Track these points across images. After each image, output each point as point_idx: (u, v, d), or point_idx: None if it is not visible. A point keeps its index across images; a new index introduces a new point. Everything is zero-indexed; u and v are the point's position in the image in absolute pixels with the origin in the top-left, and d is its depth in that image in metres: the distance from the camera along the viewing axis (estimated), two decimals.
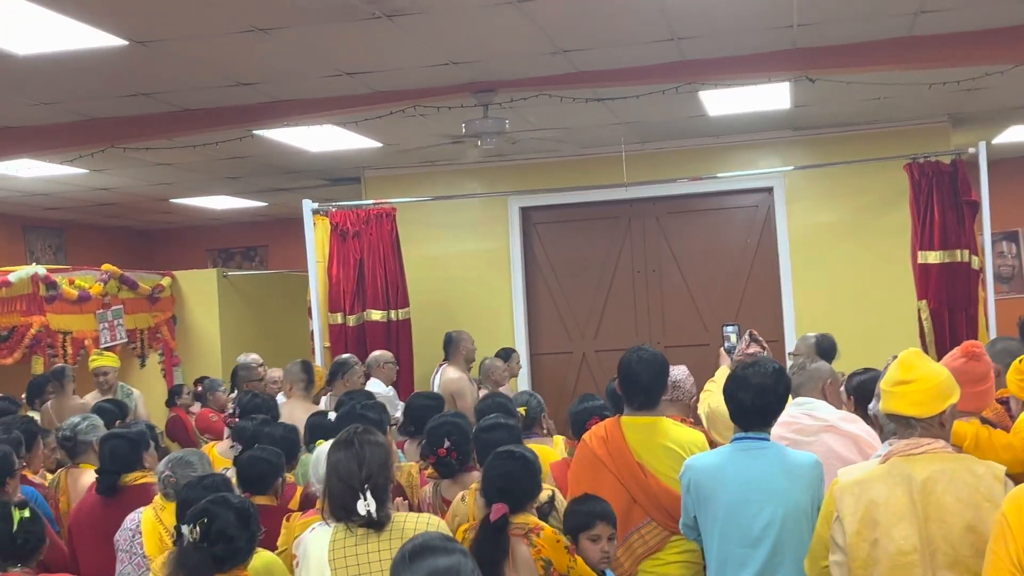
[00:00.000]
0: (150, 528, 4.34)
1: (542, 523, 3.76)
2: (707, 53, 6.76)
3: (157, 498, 4.44)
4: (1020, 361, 4.43)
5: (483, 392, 8.12)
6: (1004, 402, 4.79)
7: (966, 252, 8.28)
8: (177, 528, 3.41)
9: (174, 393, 9.17)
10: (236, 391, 7.81)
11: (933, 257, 8.31)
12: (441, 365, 8.41)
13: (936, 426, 3.13)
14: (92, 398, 7.91)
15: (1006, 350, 5.11)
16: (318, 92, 7.22)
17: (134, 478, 4.81)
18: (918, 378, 3.13)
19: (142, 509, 4.46)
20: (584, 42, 6.35)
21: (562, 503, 4.09)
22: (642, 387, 4.34)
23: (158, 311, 10.58)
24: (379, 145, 9.15)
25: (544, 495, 3.90)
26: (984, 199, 8.16)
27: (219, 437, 7.17)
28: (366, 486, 3.27)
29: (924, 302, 8.35)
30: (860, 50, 6.72)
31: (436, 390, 7.90)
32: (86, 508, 4.87)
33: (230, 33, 5.73)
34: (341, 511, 3.31)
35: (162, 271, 11.00)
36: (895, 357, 3.31)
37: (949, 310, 8.32)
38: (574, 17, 5.84)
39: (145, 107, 7.31)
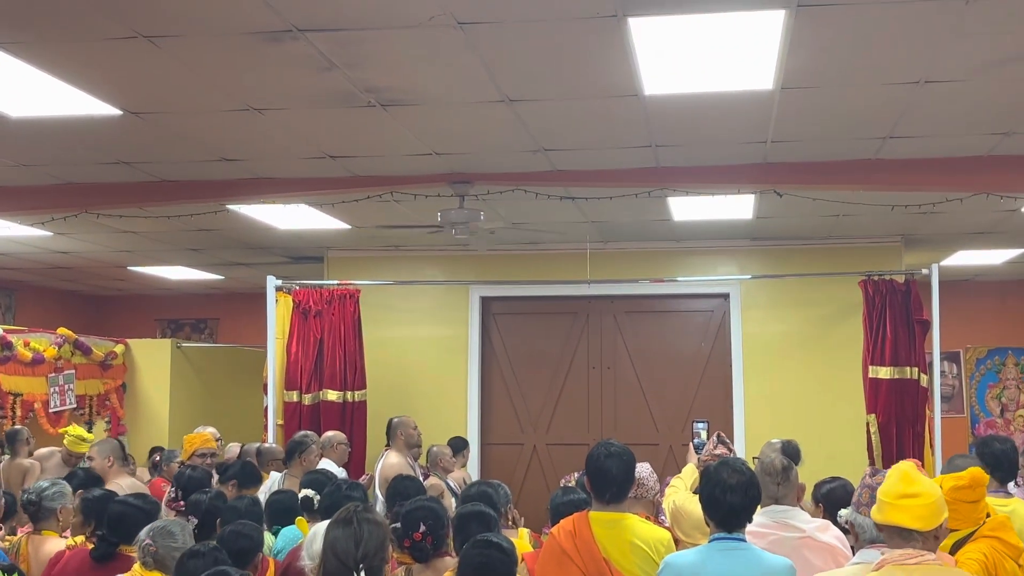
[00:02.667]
0: None
1: None
2: (682, 161, 6.99)
3: (136, 567, 4.39)
4: (943, 481, 4.49)
5: (432, 480, 8.14)
6: None
7: (915, 369, 8.52)
8: None
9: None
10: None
11: (884, 372, 8.53)
12: (385, 451, 8.40)
13: (932, 539, 3.25)
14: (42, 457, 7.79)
15: (958, 467, 5.26)
16: (299, 172, 7.33)
17: (131, 549, 4.73)
18: (923, 492, 3.24)
19: None
20: (565, 142, 6.54)
21: None
22: (612, 481, 4.40)
23: (109, 378, 10.49)
24: (346, 227, 9.24)
25: None
26: (935, 319, 8.44)
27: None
28: (361, 566, 3.29)
29: (873, 416, 8.55)
30: (828, 169, 6.99)
31: (377, 475, 7.91)
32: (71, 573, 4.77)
33: (225, 111, 5.83)
34: None
35: (115, 338, 10.92)
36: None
37: (897, 425, 8.52)
38: (560, 119, 6.03)
39: (124, 175, 7.35)
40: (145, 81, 5.36)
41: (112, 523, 4.80)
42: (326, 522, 3.66)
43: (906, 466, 3.33)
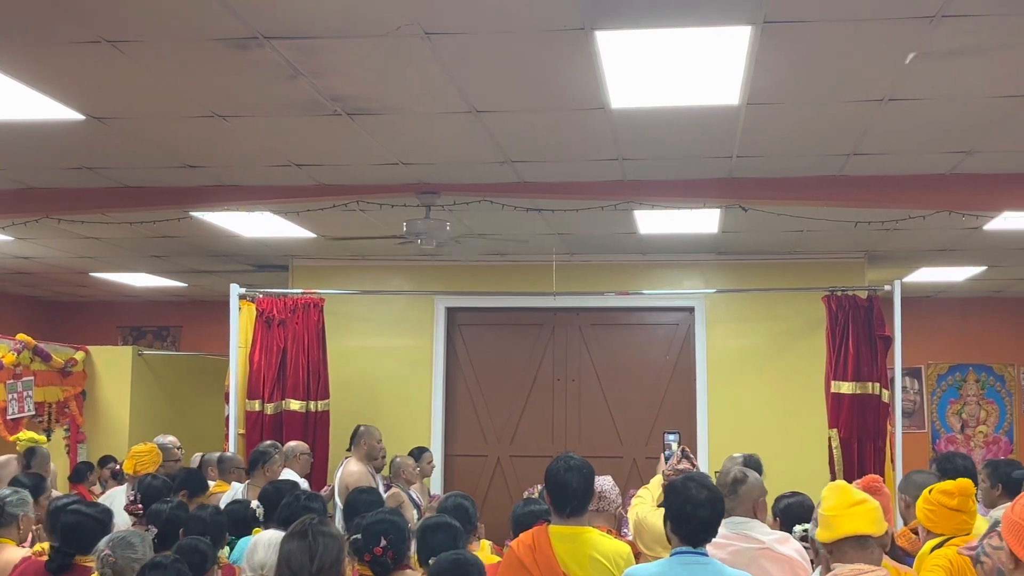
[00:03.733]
0: None
1: None
2: (649, 175, 7.01)
3: None
4: (929, 491, 4.63)
5: (394, 490, 8.10)
6: (915, 531, 4.98)
7: (877, 385, 8.59)
8: None
9: (82, 470, 8.94)
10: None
11: (846, 388, 8.59)
12: (346, 458, 8.36)
13: (881, 547, 3.29)
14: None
15: (915, 483, 5.33)
16: (264, 180, 7.29)
17: (87, 559, 4.67)
18: (867, 498, 3.29)
19: None
20: (533, 154, 6.55)
21: None
22: (571, 495, 4.40)
23: (68, 385, 10.36)
24: (312, 235, 9.20)
25: None
26: (896, 335, 8.51)
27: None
28: None
29: (835, 431, 8.60)
30: (793, 184, 7.04)
31: (336, 483, 7.87)
32: None
33: (190, 117, 5.79)
34: None
35: (75, 345, 10.80)
36: None
37: (859, 440, 8.58)
38: (528, 130, 6.03)
39: (88, 181, 7.28)
40: (108, 86, 5.31)
41: (66, 533, 4.74)
42: (267, 532, 3.63)
43: (840, 483, 3.39)
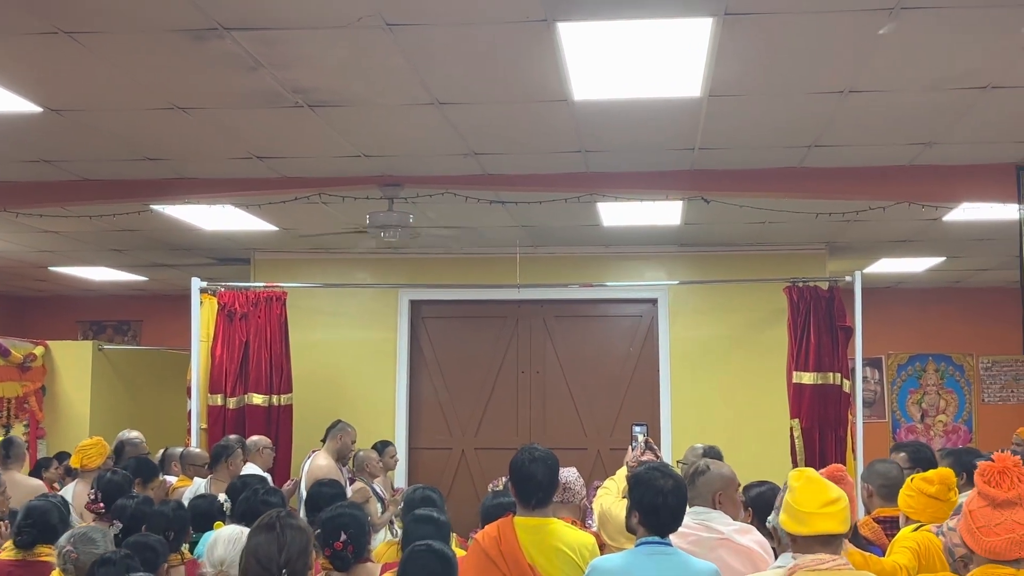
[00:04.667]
0: None
1: None
2: (612, 167, 7.03)
3: (55, 574, 4.29)
4: (911, 480, 4.69)
5: (358, 484, 8.08)
6: (882, 521, 5.04)
7: (838, 375, 8.64)
8: None
9: (41, 466, 8.83)
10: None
11: (807, 378, 8.64)
12: (313, 451, 8.32)
13: (844, 539, 3.31)
14: None
15: (877, 472, 5.39)
16: (225, 172, 7.23)
17: (46, 551, 4.64)
18: (841, 496, 3.29)
19: None
20: (496, 146, 6.54)
21: None
22: (536, 486, 4.40)
23: (28, 381, 10.24)
24: (274, 228, 9.14)
25: None
26: (857, 326, 8.58)
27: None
28: (284, 571, 3.24)
29: (797, 420, 8.65)
30: (754, 176, 7.07)
31: (304, 476, 7.84)
32: None
33: (149, 109, 5.73)
34: None
35: (35, 340, 10.68)
36: None
37: (820, 430, 8.62)
38: (490, 123, 6.02)
39: (46, 174, 7.20)
40: (66, 78, 5.25)
41: (30, 516, 4.70)
42: (228, 527, 3.61)
43: (812, 474, 3.38)
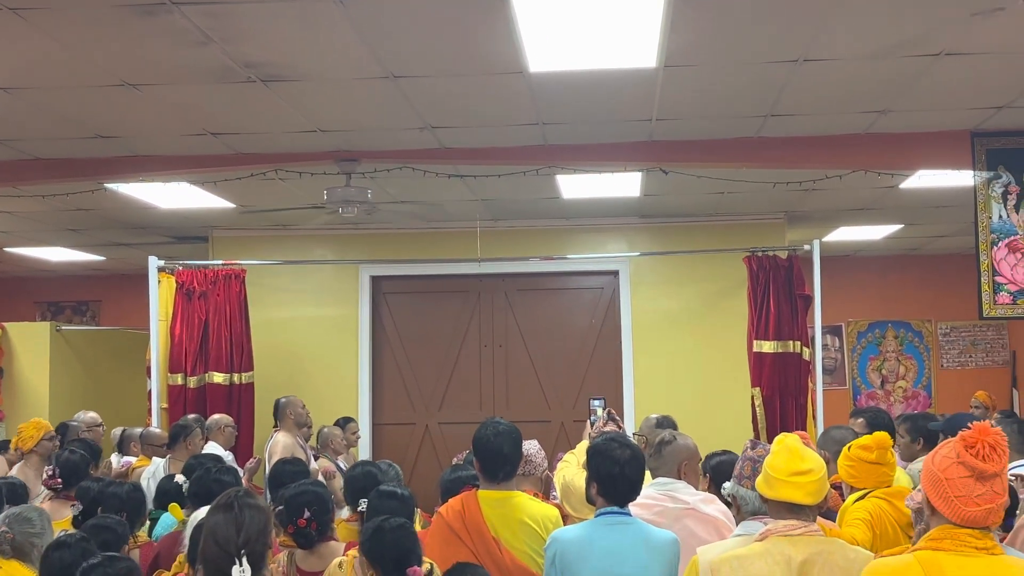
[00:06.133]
0: None
1: None
2: (570, 139, 7.00)
3: None
4: (848, 448, 4.73)
5: (321, 460, 8.06)
6: (837, 487, 5.08)
7: (798, 343, 8.70)
8: None
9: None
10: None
11: (767, 347, 8.69)
12: (273, 432, 8.30)
13: (816, 510, 3.33)
14: None
15: (833, 439, 5.43)
16: (179, 149, 7.15)
17: None
18: (813, 468, 3.30)
19: None
20: (452, 120, 6.50)
21: (436, 571, 4.10)
22: (501, 460, 4.41)
23: None
24: (231, 206, 9.06)
25: (425, 567, 3.91)
26: (816, 294, 8.64)
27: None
28: (243, 551, 3.22)
29: (758, 389, 8.71)
30: (712, 147, 7.08)
31: (267, 457, 7.82)
32: None
33: (99, 86, 5.64)
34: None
35: None
36: None
37: (780, 398, 8.69)
38: (446, 95, 5.98)
39: None
40: (11, 55, 5.15)
41: None
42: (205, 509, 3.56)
43: (792, 441, 3.38)
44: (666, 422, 7.30)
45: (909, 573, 2.81)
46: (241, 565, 3.18)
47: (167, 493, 5.48)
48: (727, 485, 4.27)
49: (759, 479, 3.39)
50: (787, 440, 3.39)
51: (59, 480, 5.94)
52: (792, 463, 3.29)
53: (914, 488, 4.84)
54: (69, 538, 3.89)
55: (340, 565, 4.13)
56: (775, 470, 3.30)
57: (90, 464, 6.04)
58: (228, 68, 5.35)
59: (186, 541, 4.12)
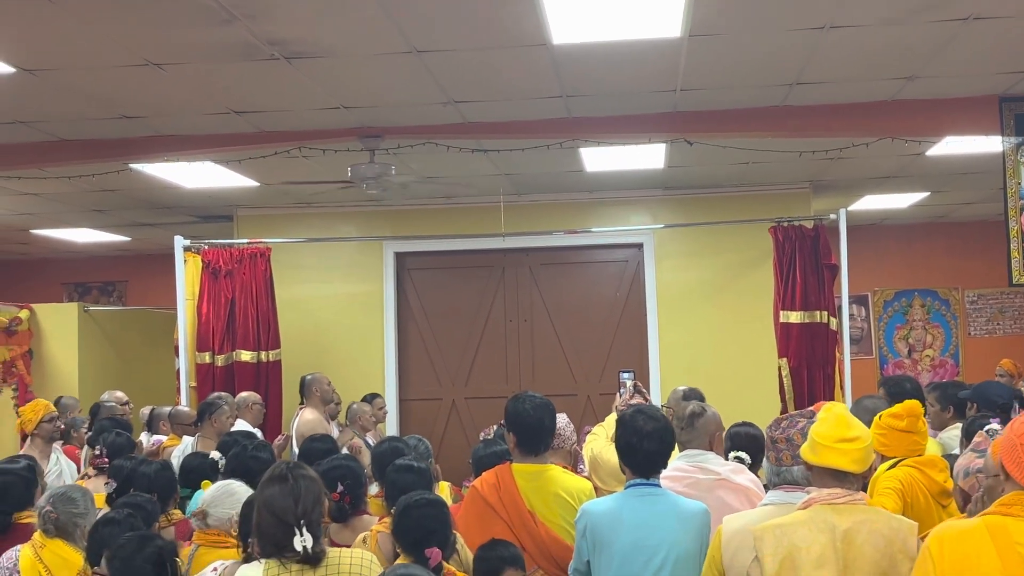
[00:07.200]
0: (29, 566, 4.19)
1: (451, 567, 3.81)
2: (594, 111, 6.97)
3: (36, 535, 4.30)
4: (879, 417, 4.71)
5: (344, 435, 8.11)
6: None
7: (825, 313, 8.66)
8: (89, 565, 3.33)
9: None
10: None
11: (794, 317, 8.66)
12: (300, 409, 8.34)
13: (861, 479, 3.32)
14: None
15: (865, 408, 5.41)
16: (203, 129, 7.17)
17: (23, 516, 4.64)
18: (861, 435, 3.29)
19: (19, 547, 4.30)
20: (476, 94, 6.48)
21: (463, 547, 4.12)
22: (535, 433, 4.43)
23: (14, 344, 10.21)
24: (256, 184, 9.08)
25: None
26: (843, 263, 8.59)
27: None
28: (302, 521, 3.24)
29: (785, 360, 8.68)
30: (737, 116, 7.03)
31: (294, 433, 7.86)
32: None
33: (123, 66, 5.65)
34: (272, 547, 3.25)
35: (19, 303, 10.63)
36: None
37: (808, 368, 8.65)
38: (469, 70, 5.96)
39: (23, 135, 7.12)
40: (37, 37, 5.18)
41: None
42: (217, 485, 3.58)
43: (839, 409, 3.37)
44: (693, 394, 7.29)
45: (976, 537, 2.79)
46: (302, 534, 3.20)
47: (193, 471, 5.51)
48: (741, 453, 4.33)
49: (804, 446, 3.38)
50: (835, 408, 3.38)
51: (106, 460, 6.01)
52: (839, 430, 3.28)
53: (944, 455, 4.86)
54: (118, 514, 3.93)
55: (364, 540, 4.17)
56: (821, 436, 3.29)
57: (134, 446, 6.10)
58: (252, 46, 5.35)
59: (234, 517, 4.15)
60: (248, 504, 3.77)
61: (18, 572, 4.22)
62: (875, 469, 4.74)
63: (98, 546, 3.57)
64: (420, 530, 3.74)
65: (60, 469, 6.75)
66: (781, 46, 5.69)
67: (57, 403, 8.71)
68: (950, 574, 2.78)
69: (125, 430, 6.68)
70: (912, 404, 4.59)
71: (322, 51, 5.51)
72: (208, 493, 4.44)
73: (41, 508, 4.35)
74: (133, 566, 3.29)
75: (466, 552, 4.06)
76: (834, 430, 3.28)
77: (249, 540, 3.47)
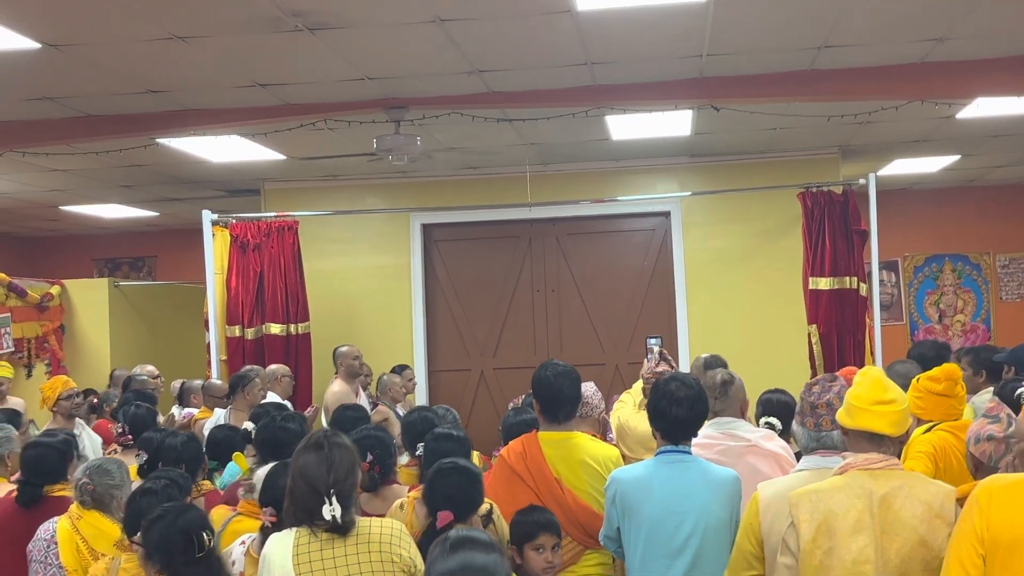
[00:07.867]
0: (66, 538, 4.25)
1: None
2: (619, 79, 6.92)
3: (73, 507, 4.35)
4: (917, 380, 4.69)
5: (380, 407, 8.15)
6: None
7: (855, 279, 8.60)
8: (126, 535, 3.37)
9: None
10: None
11: (824, 283, 8.60)
12: (333, 379, 8.41)
13: (898, 444, 3.30)
14: None
15: (898, 372, 5.39)
16: (229, 102, 7.17)
17: (55, 489, 4.70)
18: (897, 398, 3.27)
19: (57, 519, 4.36)
20: (500, 63, 6.44)
21: (499, 517, 4.13)
22: (561, 401, 4.44)
23: (46, 320, 10.31)
24: (282, 157, 9.09)
25: (483, 508, 3.94)
26: (872, 229, 8.53)
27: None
28: (332, 491, 3.25)
29: (814, 326, 8.63)
30: (764, 81, 6.96)
31: (324, 403, 7.94)
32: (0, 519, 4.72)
33: (148, 40, 5.66)
34: (304, 515, 3.28)
35: (51, 279, 10.72)
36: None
37: (838, 335, 8.61)
38: (493, 38, 5.93)
39: (50, 111, 7.15)
40: (62, 12, 5.18)
41: (29, 465, 4.77)
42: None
43: (876, 372, 3.36)
44: (715, 361, 7.24)
45: (1020, 490, 2.81)
46: (331, 504, 3.22)
47: (219, 443, 5.55)
48: (771, 419, 4.31)
49: (840, 411, 3.36)
50: (871, 371, 3.36)
51: (130, 436, 6.08)
52: (875, 392, 3.26)
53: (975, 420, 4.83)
54: (155, 484, 3.97)
55: (401, 506, 4.18)
56: (857, 399, 3.27)
57: (156, 416, 6.15)
58: (275, 17, 5.34)
59: (259, 488, 4.18)
60: (272, 474, 3.79)
61: (56, 544, 4.27)
62: (911, 434, 4.73)
63: (136, 516, 3.60)
64: (444, 492, 3.74)
65: (83, 444, 6.82)
66: (808, 8, 5.62)
67: (112, 375, 8.83)
68: (998, 522, 2.80)
69: (147, 402, 6.74)
70: (951, 368, 4.57)
71: (346, 21, 5.50)
72: (264, 471, 4.46)
73: (78, 480, 4.40)
74: (169, 537, 3.32)
75: (502, 523, 4.07)
76: (870, 392, 3.26)
77: (264, 509, 3.51)
